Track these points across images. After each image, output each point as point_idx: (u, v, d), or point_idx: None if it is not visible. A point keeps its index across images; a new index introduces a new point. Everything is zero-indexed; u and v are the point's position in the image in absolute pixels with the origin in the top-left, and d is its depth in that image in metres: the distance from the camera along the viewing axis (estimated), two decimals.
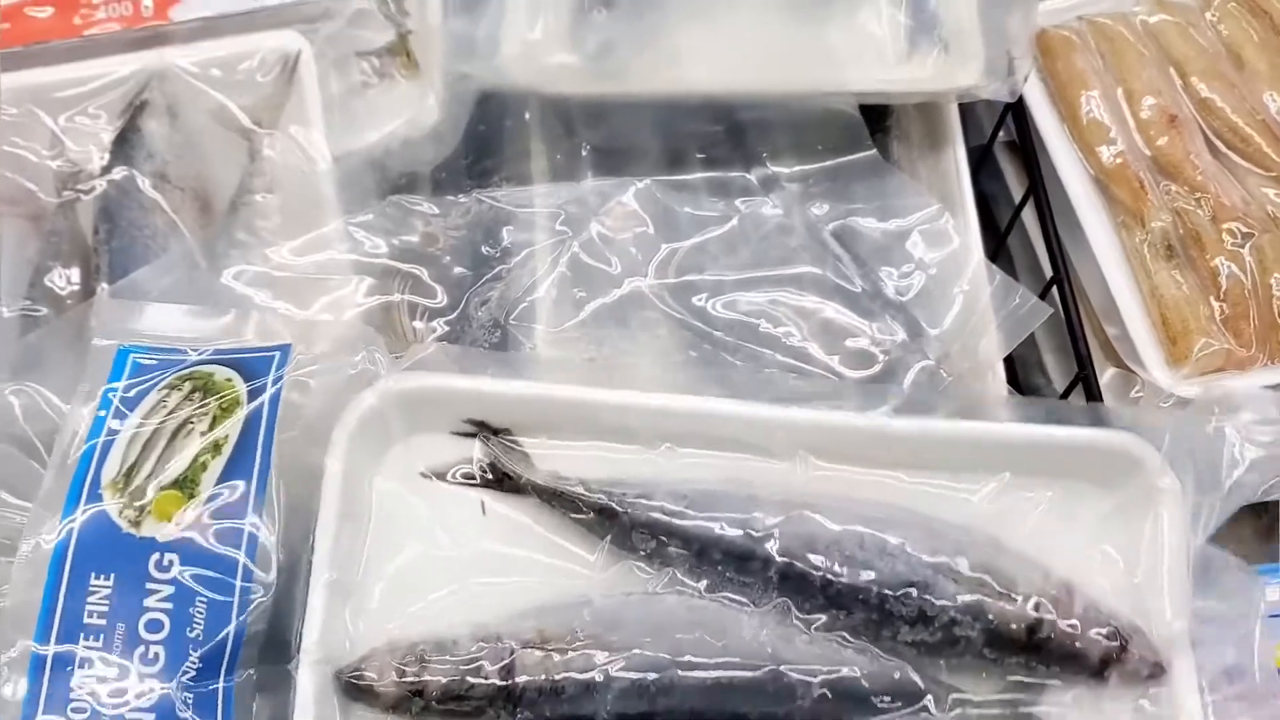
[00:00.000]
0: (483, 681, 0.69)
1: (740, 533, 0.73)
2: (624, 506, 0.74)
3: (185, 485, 0.69)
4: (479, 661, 0.70)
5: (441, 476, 0.78)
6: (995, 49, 0.90)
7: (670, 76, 0.89)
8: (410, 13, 0.95)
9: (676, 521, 0.74)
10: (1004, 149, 1.03)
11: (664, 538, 0.74)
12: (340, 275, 0.85)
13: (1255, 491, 0.75)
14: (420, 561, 0.75)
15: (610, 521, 0.75)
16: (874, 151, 0.91)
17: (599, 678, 0.69)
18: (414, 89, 0.92)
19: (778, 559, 0.73)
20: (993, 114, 1.01)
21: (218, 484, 0.69)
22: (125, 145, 0.88)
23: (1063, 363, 0.98)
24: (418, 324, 0.86)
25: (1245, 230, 0.92)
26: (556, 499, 0.76)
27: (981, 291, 0.88)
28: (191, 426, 0.71)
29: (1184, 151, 0.95)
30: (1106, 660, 0.73)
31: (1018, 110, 0.97)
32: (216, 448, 0.70)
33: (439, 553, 0.75)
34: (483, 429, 0.78)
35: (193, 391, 0.72)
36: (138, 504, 0.68)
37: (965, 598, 0.72)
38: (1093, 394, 0.88)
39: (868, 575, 0.72)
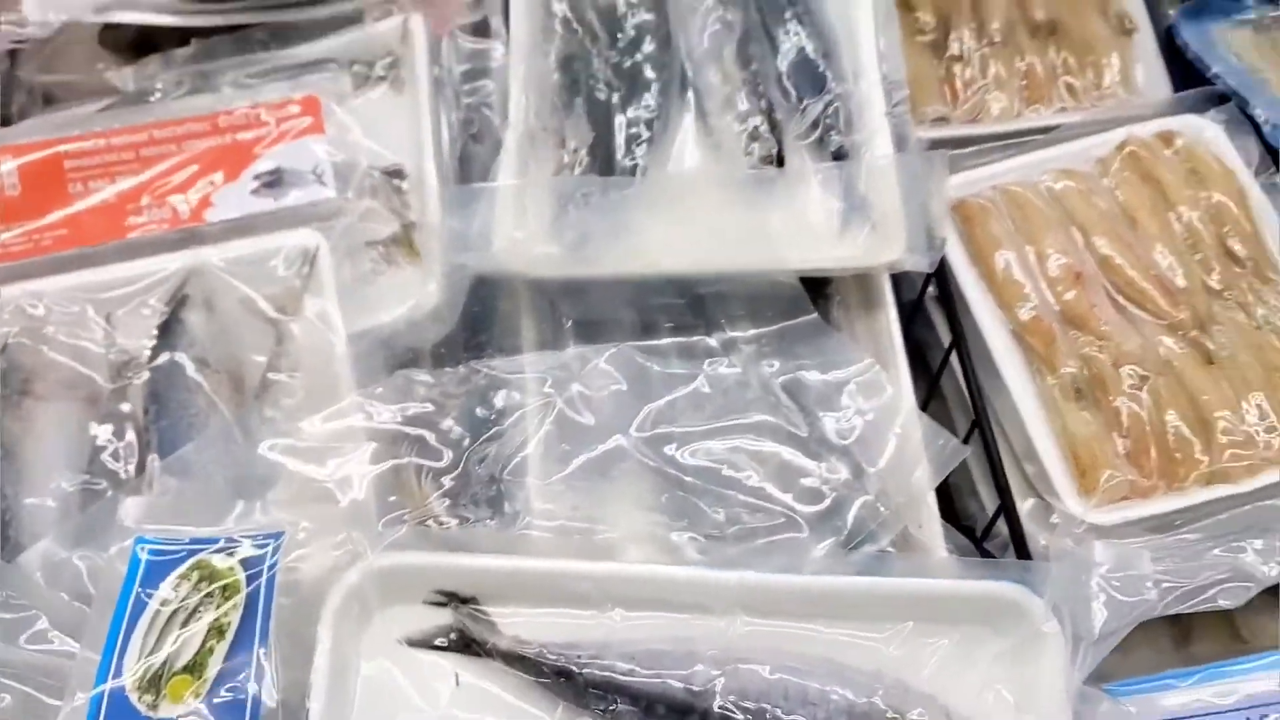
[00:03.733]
0: None
1: (681, 686, 0.82)
2: (579, 667, 0.82)
3: (195, 669, 0.78)
4: None
5: (417, 644, 0.86)
6: (916, 226, 1.03)
7: (638, 260, 1.02)
8: (412, 206, 1.10)
9: (625, 679, 0.82)
10: (934, 302, 1.17)
11: (615, 695, 0.82)
12: (355, 443, 0.96)
13: (1117, 635, 0.84)
14: None
15: (567, 682, 0.83)
16: (815, 315, 1.04)
17: None
18: (416, 275, 1.06)
19: (715, 711, 0.81)
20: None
21: (224, 663, 0.78)
22: (169, 335, 1.00)
23: (992, 492, 1.10)
24: (426, 483, 0.98)
25: (1143, 374, 1.04)
26: (518, 662, 0.84)
27: (913, 434, 0.99)
28: (200, 613, 0.80)
29: (1088, 304, 1.07)
30: None
31: (941, 271, 1.10)
32: (220, 632, 0.79)
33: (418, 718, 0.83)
34: (452, 599, 0.87)
35: (200, 580, 0.82)
36: (154, 689, 0.77)
37: None
38: (1014, 523, 1.00)
39: None
